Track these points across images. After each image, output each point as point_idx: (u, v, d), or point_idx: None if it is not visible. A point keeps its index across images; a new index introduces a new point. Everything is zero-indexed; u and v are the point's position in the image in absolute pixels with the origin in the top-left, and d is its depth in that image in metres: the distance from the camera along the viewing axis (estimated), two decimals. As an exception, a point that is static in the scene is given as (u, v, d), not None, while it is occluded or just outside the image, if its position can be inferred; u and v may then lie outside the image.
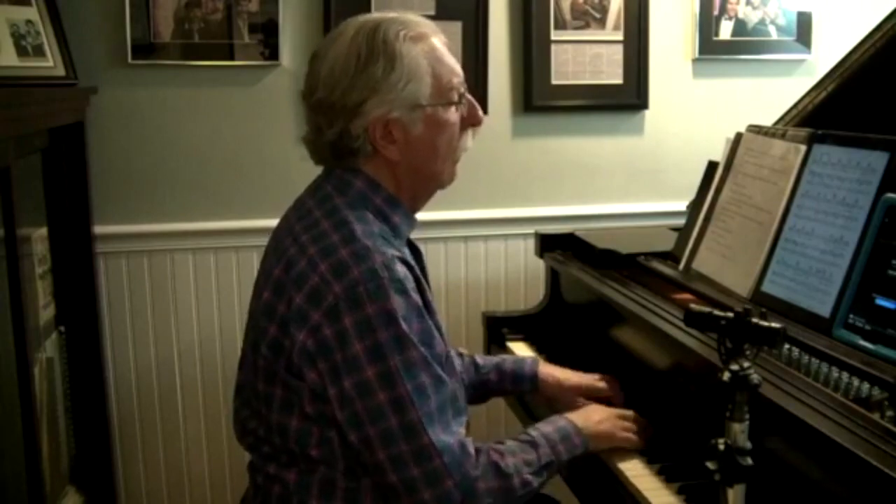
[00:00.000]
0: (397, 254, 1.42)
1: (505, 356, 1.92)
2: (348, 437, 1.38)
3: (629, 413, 1.68)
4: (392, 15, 1.48)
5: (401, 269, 1.39)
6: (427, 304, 1.45)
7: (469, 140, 1.56)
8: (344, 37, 1.45)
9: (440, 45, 1.49)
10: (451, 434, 1.38)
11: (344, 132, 1.44)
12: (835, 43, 2.83)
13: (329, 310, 1.34)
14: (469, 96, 1.54)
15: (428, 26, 1.50)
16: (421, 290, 1.44)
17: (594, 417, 1.63)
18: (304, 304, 1.36)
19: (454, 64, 1.50)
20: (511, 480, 1.42)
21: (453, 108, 1.49)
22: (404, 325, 1.35)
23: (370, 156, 1.47)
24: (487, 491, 1.39)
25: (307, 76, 1.50)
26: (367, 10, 2.61)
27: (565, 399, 1.81)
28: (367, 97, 1.42)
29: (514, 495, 1.43)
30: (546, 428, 1.56)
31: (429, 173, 1.52)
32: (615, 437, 1.62)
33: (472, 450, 1.41)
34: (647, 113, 2.89)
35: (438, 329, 1.46)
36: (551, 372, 1.85)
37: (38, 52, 2.28)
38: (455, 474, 1.36)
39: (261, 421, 1.47)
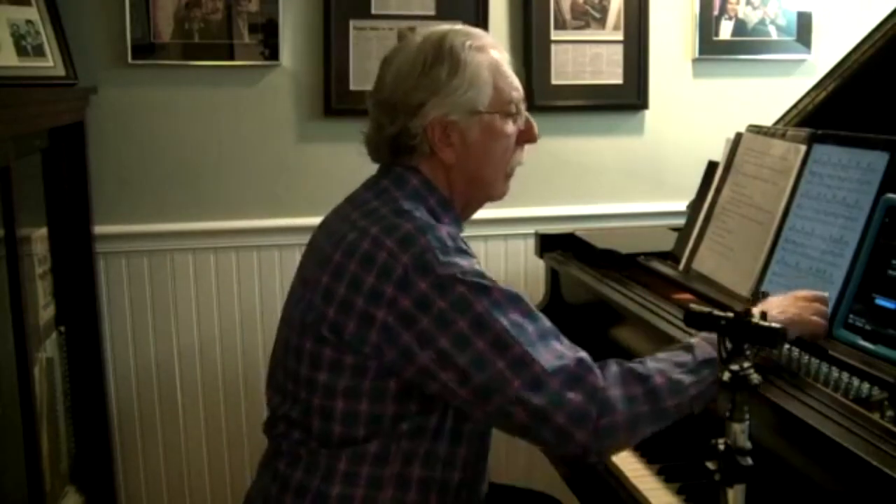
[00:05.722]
0: (455, 233, 1.46)
1: None
2: (458, 393, 1.36)
3: (819, 294, 1.52)
4: (458, 27, 1.56)
5: (462, 244, 1.44)
6: None
7: (523, 156, 1.60)
8: (411, 44, 1.53)
9: (502, 59, 1.56)
10: (560, 357, 1.36)
11: (403, 130, 1.50)
12: (835, 43, 2.82)
13: (400, 280, 1.36)
14: (527, 113, 1.59)
15: (490, 39, 1.57)
16: None
17: (774, 309, 1.44)
18: (375, 281, 1.38)
19: (514, 79, 1.57)
20: (650, 381, 1.36)
21: (510, 121, 1.55)
22: (479, 278, 1.38)
23: (427, 156, 1.52)
24: (624, 397, 1.35)
25: (376, 79, 1.56)
26: (367, 10, 2.62)
27: None
28: (428, 98, 1.48)
29: (660, 396, 1.36)
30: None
31: (481, 180, 1.56)
32: (805, 320, 1.47)
33: (591, 363, 1.37)
34: (647, 113, 2.89)
35: None
36: None
37: (38, 52, 2.28)
38: (580, 390, 1.34)
39: (295, 403, 1.46)
